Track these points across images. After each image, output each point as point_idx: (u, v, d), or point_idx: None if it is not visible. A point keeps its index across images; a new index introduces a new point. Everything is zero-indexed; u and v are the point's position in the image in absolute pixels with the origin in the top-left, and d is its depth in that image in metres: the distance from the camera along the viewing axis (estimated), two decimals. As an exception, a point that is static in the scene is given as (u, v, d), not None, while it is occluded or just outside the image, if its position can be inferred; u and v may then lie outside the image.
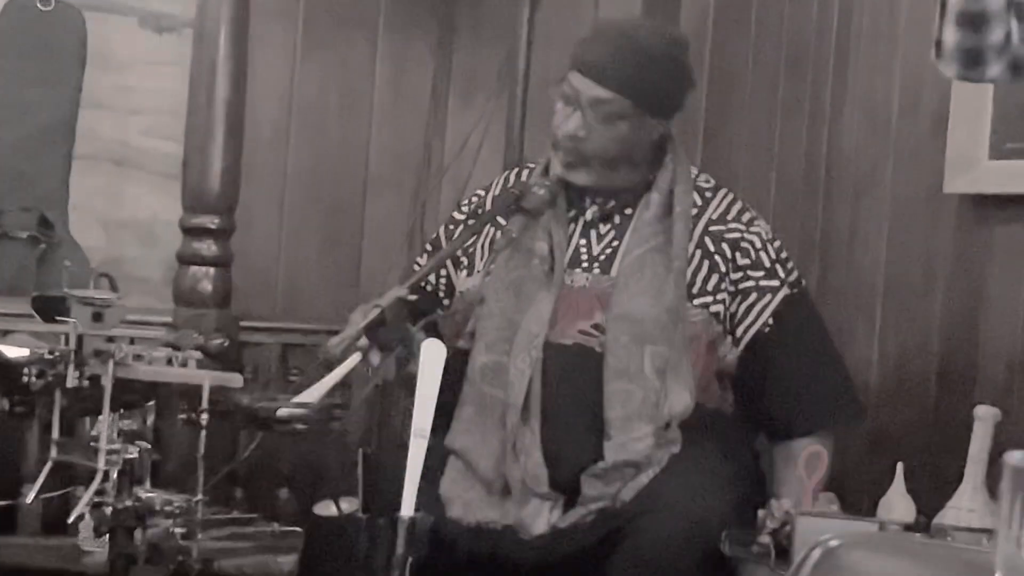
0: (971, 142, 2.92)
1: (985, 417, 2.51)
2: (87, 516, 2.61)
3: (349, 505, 2.41)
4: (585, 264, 2.66)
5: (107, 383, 2.61)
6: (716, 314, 2.62)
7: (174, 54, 3.62)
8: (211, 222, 3.37)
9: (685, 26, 3.45)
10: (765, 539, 2.40)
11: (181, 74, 3.51)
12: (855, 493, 2.71)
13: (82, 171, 3.62)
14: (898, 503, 2.55)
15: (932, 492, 2.60)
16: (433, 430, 2.61)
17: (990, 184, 2.91)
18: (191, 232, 3.39)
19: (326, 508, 2.47)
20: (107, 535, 2.59)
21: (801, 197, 3.41)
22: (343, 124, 3.81)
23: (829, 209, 3.35)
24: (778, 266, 2.67)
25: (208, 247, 3.37)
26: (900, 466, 2.57)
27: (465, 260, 2.74)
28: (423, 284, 2.71)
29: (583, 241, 2.68)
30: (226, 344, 2.91)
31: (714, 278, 2.64)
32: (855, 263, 3.25)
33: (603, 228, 2.69)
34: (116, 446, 2.61)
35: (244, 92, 3.42)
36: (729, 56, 3.58)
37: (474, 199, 2.84)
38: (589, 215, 2.69)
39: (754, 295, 2.65)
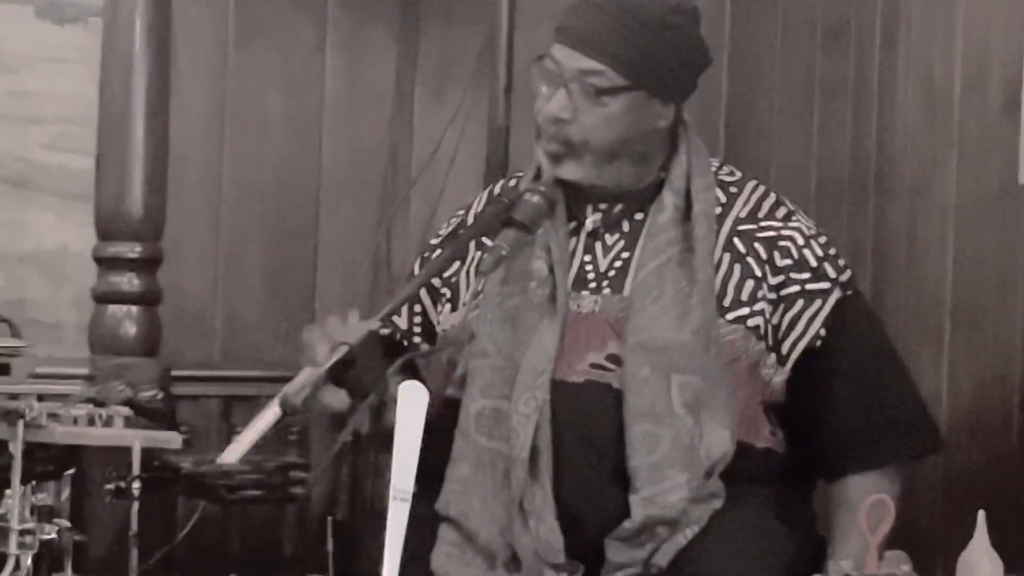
0: (1052, 122, 2.97)
1: (1084, 451, 2.54)
2: (-2, 611, 2.62)
3: (318, 586, 2.43)
4: (592, 284, 2.68)
5: (16, 450, 2.61)
6: (755, 328, 2.64)
7: (80, 50, 3.63)
8: (132, 251, 3.38)
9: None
10: (823, 610, 2.42)
11: (90, 73, 3.53)
12: (928, 550, 2.73)
13: (-29, 196, 3.64)
14: (982, 561, 2.56)
15: (1022, 546, 2.62)
16: (419, 495, 2.64)
17: (1077, 171, 2.96)
18: (108, 264, 3.41)
19: (290, 591, 2.48)
20: (22, 632, 2.61)
21: (848, 197, 3.44)
22: (288, 127, 3.82)
23: (882, 210, 3.38)
24: (827, 264, 2.68)
25: (129, 281, 3.39)
26: (982, 515, 2.58)
27: (447, 292, 2.74)
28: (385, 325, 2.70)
29: (587, 256, 2.70)
30: (160, 397, 2.93)
31: (749, 285, 2.65)
32: (916, 274, 3.28)
33: (609, 239, 2.71)
34: (30, 526, 2.62)
35: (167, 93, 3.44)
36: (753, 30, 3.62)
37: (453, 220, 2.87)
38: (591, 224, 2.71)
39: (800, 302, 2.66)
